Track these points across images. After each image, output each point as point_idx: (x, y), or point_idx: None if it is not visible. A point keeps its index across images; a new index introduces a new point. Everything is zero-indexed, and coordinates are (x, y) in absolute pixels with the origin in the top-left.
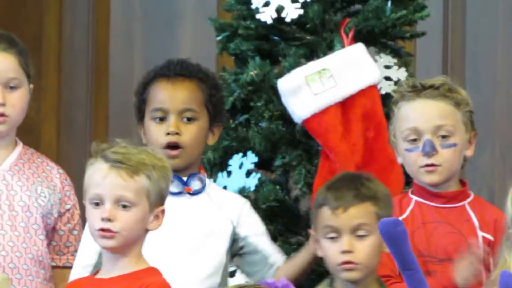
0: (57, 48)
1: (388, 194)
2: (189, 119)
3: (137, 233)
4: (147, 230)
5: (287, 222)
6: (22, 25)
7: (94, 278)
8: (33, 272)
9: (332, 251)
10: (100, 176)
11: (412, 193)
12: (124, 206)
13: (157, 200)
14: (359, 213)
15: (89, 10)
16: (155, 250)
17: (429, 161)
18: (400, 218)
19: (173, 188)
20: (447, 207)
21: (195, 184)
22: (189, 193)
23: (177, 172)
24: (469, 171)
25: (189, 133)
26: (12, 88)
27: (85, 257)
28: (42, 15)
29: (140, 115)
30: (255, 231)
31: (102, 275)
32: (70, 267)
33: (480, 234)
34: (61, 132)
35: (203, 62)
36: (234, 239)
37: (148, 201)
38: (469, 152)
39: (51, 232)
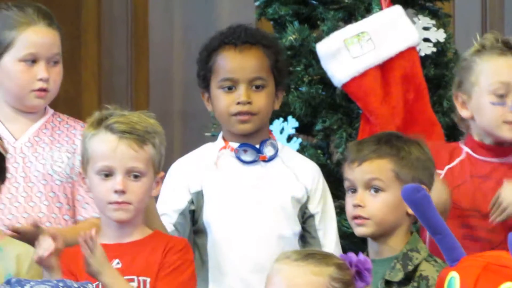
0: (96, 17)
1: (420, 158)
2: (258, 87)
3: (145, 202)
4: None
5: (329, 185)
6: None
7: (102, 245)
8: None
9: (348, 205)
10: (110, 148)
11: (465, 144)
12: (136, 177)
13: (159, 166)
14: (372, 168)
15: None
16: (232, 218)
17: None
18: (448, 167)
19: (247, 157)
20: (497, 162)
21: (268, 150)
22: (264, 161)
23: (248, 139)
24: None
25: (260, 101)
26: (54, 63)
27: (178, 202)
28: None
29: (205, 84)
30: (322, 213)
31: (108, 241)
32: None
33: None
34: (102, 100)
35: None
36: (303, 209)
37: (153, 168)
38: None
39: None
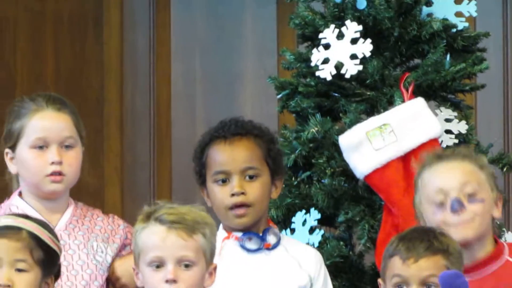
0: (118, 111)
1: (459, 250)
2: (251, 177)
3: None
4: None
5: (351, 277)
6: (84, 88)
7: None
8: None
9: None
10: (159, 238)
11: None
12: (186, 266)
13: (211, 257)
14: (429, 265)
15: (150, 73)
16: None
17: (460, 219)
18: None
19: (252, 245)
20: (491, 272)
21: (271, 239)
22: (267, 249)
23: (249, 229)
24: None
25: (254, 191)
26: (67, 147)
27: None
28: (103, 78)
29: (202, 179)
30: None
31: None
32: None
33: None
34: (125, 194)
35: (265, 120)
36: None
37: (205, 258)
38: (496, 213)
39: None
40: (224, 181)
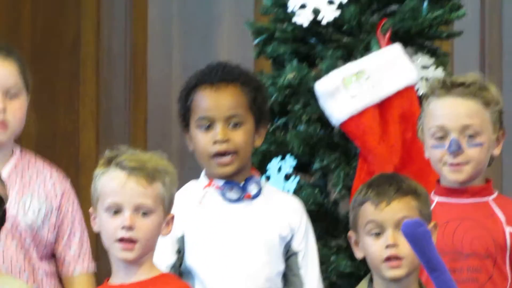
0: (94, 54)
1: (425, 192)
2: (235, 125)
3: (154, 241)
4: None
5: (326, 225)
6: (60, 31)
7: (109, 284)
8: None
9: (375, 247)
10: (118, 184)
11: (435, 193)
12: (144, 214)
13: (169, 207)
14: (402, 206)
15: (126, 16)
16: (219, 258)
17: (455, 160)
18: None
19: (233, 194)
20: (470, 202)
21: (252, 188)
22: (249, 199)
23: (231, 178)
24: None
25: (238, 139)
26: (12, 96)
27: (166, 257)
28: (79, 21)
29: (185, 123)
30: (305, 250)
31: (116, 280)
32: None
33: (508, 229)
34: (100, 139)
35: (241, 65)
36: (287, 247)
37: (163, 207)
38: (496, 151)
39: (51, 245)
40: (207, 128)
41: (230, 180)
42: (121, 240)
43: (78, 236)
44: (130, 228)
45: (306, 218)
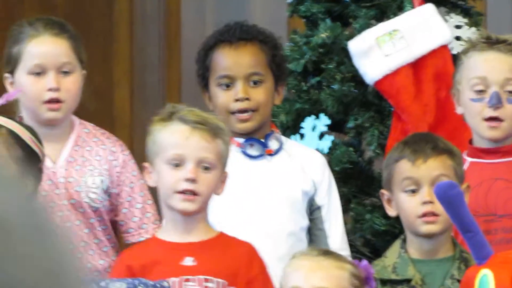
0: (128, 14)
1: (460, 153)
2: (255, 83)
3: (211, 196)
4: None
5: (360, 184)
6: None
7: (161, 239)
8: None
9: (411, 204)
10: (182, 137)
11: (467, 154)
12: (206, 168)
13: (225, 164)
14: (438, 164)
15: None
16: (242, 215)
17: (494, 114)
18: None
19: (254, 151)
20: (503, 161)
21: (273, 144)
22: (270, 155)
23: (251, 135)
24: None
25: (258, 97)
26: (65, 73)
27: None
28: None
29: (205, 82)
30: (328, 204)
31: (174, 238)
32: None
33: None
34: (134, 97)
35: (274, 24)
36: (310, 202)
37: (221, 164)
38: None
39: (114, 216)
40: (228, 86)
41: (250, 137)
42: (183, 192)
43: (140, 205)
44: (193, 180)
45: (329, 172)
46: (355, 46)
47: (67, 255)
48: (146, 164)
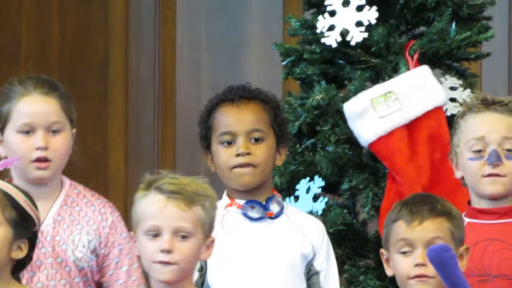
0: (123, 75)
1: (460, 215)
2: (257, 140)
3: (193, 264)
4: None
5: (355, 245)
6: (89, 52)
7: None
8: None
9: (404, 265)
10: (157, 208)
11: (465, 215)
12: (183, 237)
13: (210, 230)
14: (434, 227)
15: (155, 37)
16: (241, 277)
17: (493, 171)
18: None
19: (254, 213)
20: (500, 222)
21: (274, 207)
22: (270, 217)
23: (253, 195)
24: None
25: (260, 153)
26: (54, 132)
27: None
28: (108, 42)
29: (207, 143)
30: (327, 270)
31: None
32: None
33: None
34: (129, 159)
35: (269, 86)
36: (308, 267)
37: (202, 231)
38: None
39: (99, 277)
40: (229, 143)
41: (251, 199)
42: (160, 262)
43: (126, 268)
44: (168, 251)
45: (327, 238)
46: (350, 108)
47: None
48: (131, 233)
